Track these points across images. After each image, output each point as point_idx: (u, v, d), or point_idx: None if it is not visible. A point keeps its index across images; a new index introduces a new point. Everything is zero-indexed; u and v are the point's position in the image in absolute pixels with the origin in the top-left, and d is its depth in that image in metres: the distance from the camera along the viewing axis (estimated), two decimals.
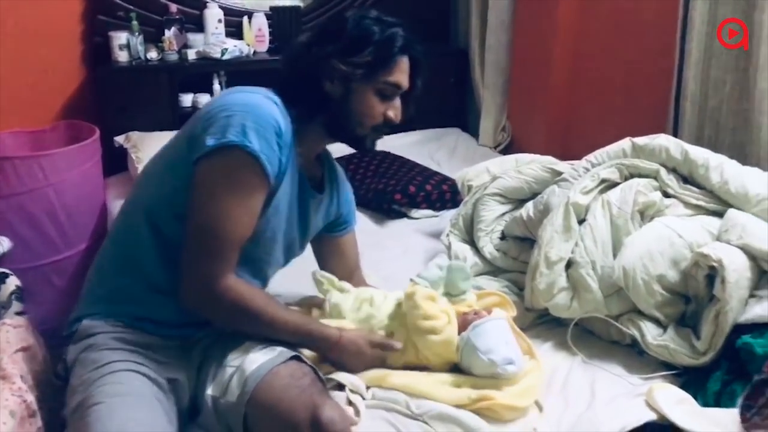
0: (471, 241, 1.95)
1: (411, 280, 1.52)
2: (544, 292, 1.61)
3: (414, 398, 1.33)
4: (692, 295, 1.52)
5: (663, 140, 1.68)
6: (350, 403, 1.31)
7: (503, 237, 1.90)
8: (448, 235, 1.99)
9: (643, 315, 1.54)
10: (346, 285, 1.53)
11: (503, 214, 1.93)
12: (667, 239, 1.53)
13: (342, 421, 1.18)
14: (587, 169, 1.73)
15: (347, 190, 1.63)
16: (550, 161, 1.96)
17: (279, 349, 1.30)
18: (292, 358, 1.29)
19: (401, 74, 1.40)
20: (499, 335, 1.40)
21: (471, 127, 3.29)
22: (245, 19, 2.98)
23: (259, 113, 1.27)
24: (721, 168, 1.62)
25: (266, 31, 3.00)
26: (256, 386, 1.22)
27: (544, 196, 1.77)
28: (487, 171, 2.10)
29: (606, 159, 1.73)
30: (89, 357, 1.26)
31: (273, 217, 1.36)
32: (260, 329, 1.32)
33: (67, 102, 2.85)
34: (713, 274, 1.45)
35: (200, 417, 1.31)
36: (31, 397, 1.22)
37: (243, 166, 1.25)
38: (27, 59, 2.73)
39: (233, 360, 1.30)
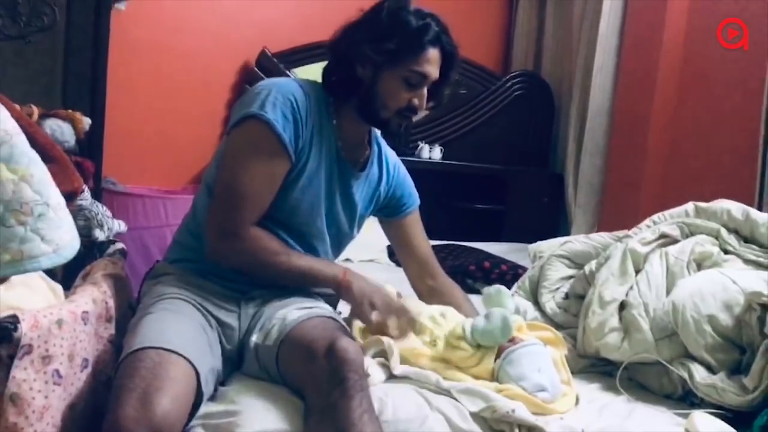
0: (535, 301, 2.00)
1: (463, 327, 1.51)
2: (596, 331, 1.63)
3: (445, 379, 1.38)
4: (747, 344, 1.49)
5: (725, 203, 1.73)
6: (382, 365, 1.39)
7: (566, 298, 1.93)
8: (513, 295, 2.04)
9: (694, 359, 1.52)
10: None
11: (569, 277, 1.98)
12: (720, 283, 1.54)
13: (355, 351, 1.26)
14: (649, 227, 1.79)
15: (400, 173, 1.72)
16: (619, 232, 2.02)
17: (323, 310, 1.45)
18: (330, 318, 1.43)
19: (429, 65, 1.47)
20: (531, 362, 1.41)
21: None
22: None
23: (279, 89, 1.44)
24: None
25: None
26: (290, 329, 1.36)
27: (607, 252, 1.83)
28: (559, 245, 2.17)
29: (668, 218, 1.79)
30: (156, 289, 1.46)
31: (308, 189, 1.49)
32: (277, 276, 1.46)
33: (201, 171, 3.28)
34: (765, 317, 1.43)
35: (244, 365, 1.44)
36: (112, 303, 1.39)
37: (259, 132, 1.41)
38: (177, 134, 3.27)
39: (280, 314, 1.44)
